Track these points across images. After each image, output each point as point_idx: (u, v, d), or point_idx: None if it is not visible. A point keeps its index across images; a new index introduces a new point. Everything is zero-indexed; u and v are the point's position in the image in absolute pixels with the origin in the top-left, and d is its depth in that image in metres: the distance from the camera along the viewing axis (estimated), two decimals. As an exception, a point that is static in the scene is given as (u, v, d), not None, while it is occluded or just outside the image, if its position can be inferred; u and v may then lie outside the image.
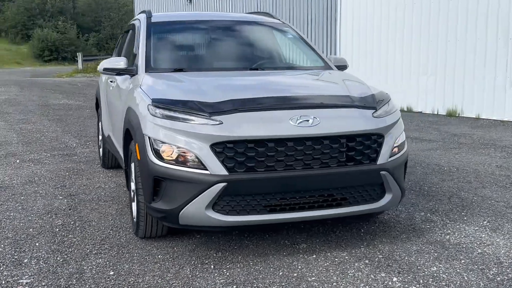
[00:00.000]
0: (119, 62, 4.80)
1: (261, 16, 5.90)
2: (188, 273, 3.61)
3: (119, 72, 4.79)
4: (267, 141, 3.61)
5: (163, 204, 3.70)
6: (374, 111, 4.02)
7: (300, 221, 3.97)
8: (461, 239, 4.25)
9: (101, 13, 51.36)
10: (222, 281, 3.48)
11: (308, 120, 3.73)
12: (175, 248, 4.04)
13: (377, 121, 3.95)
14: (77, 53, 31.20)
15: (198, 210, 3.59)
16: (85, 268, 3.70)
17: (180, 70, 4.73)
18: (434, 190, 5.69)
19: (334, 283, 3.45)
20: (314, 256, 3.89)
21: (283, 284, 3.44)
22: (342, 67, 5.35)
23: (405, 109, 12.68)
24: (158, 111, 3.79)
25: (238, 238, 4.24)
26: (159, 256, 3.89)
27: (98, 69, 4.98)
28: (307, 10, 15.22)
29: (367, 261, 3.80)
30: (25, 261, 3.83)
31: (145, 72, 4.64)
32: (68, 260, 3.84)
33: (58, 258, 3.88)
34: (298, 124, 3.69)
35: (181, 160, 3.62)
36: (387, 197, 4.00)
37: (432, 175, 6.36)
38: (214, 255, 3.91)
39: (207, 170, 3.56)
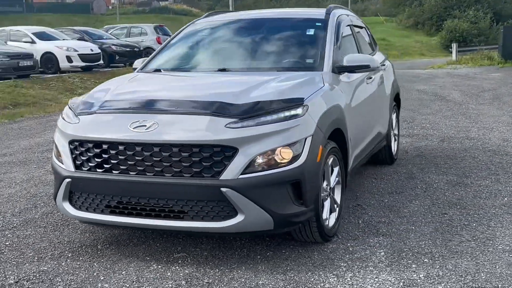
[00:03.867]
0: (139, 61, 5.36)
1: (306, 11, 5.52)
2: (20, 261, 3.96)
3: (137, 71, 5.31)
4: (103, 143, 3.75)
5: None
6: (235, 121, 3.61)
7: (144, 228, 3.91)
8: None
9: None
10: (21, 274, 3.73)
11: (145, 126, 3.69)
12: (76, 235, 4.42)
13: (228, 132, 3.57)
14: (452, 44, 30.34)
15: (59, 201, 4.01)
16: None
17: (158, 70, 5.01)
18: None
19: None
20: (160, 266, 3.82)
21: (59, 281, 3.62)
22: (357, 67, 4.66)
23: None
24: (63, 111, 4.32)
25: (141, 239, 4.33)
26: (54, 240, 4.33)
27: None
28: None
29: (183, 283, 3.56)
30: None
31: (136, 72, 5.11)
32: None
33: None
34: (133, 128, 3.70)
35: (59, 155, 4.08)
36: (238, 218, 3.58)
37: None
38: (88, 250, 4.10)
39: (63, 165, 3.96)
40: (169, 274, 3.66)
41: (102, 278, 3.62)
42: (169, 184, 3.58)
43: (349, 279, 3.55)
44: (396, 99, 6.80)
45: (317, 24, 5.08)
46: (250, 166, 3.56)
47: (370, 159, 6.48)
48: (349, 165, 4.63)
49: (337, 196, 4.37)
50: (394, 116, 6.71)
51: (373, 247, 4.07)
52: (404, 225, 4.50)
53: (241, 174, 3.53)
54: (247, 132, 3.58)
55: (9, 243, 4.26)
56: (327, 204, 4.16)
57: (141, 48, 22.53)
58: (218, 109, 3.70)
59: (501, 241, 4.14)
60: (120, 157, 3.68)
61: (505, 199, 5.16)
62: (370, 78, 5.42)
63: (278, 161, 3.63)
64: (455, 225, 4.49)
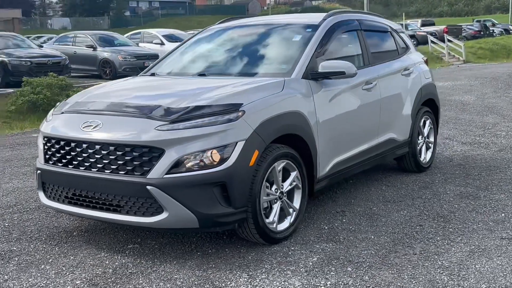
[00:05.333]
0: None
1: (306, 17, 5.63)
2: (1, 240, 4.61)
3: (141, 74, 5.79)
4: (61, 140, 4.26)
5: None
6: (166, 123, 3.93)
7: (92, 219, 4.38)
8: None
9: None
10: None
11: (92, 125, 4.13)
12: (66, 222, 4.94)
13: (156, 134, 3.88)
14: None
15: (38, 191, 4.60)
16: None
17: (153, 74, 5.43)
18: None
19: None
20: (106, 255, 4.24)
21: None
22: (332, 73, 4.72)
23: None
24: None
25: (114, 229, 4.73)
26: (45, 224, 4.88)
27: None
28: None
29: (110, 271, 3.96)
30: None
31: (140, 75, 5.60)
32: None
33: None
34: (83, 128, 4.16)
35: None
36: (163, 215, 3.88)
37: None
38: (62, 236, 4.61)
39: (39, 158, 4.56)
40: (107, 262, 4.06)
41: (51, 261, 4.11)
42: (108, 180, 3.98)
43: (258, 280, 3.69)
44: (430, 105, 6.58)
45: (307, 30, 5.17)
46: (176, 167, 3.84)
47: (396, 166, 6.40)
48: (318, 172, 4.69)
49: (296, 201, 4.48)
50: (428, 122, 6.51)
51: (313, 252, 4.14)
52: (365, 234, 4.49)
53: (166, 173, 3.82)
54: (175, 134, 3.86)
55: (8, 224, 4.93)
56: (276, 207, 4.29)
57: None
58: (154, 112, 4.03)
59: (448, 257, 4.00)
60: (72, 153, 4.16)
61: (502, 215, 4.88)
62: (370, 84, 5.37)
63: (207, 163, 3.86)
64: (417, 238, 4.38)
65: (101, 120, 4.12)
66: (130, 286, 3.65)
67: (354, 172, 5.43)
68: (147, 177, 3.84)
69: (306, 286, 3.59)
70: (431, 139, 6.65)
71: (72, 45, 19.00)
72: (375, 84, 5.45)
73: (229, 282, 3.68)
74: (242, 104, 4.07)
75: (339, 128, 4.94)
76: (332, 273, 3.78)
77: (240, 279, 3.71)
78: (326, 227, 4.67)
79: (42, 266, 4.01)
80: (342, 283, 3.61)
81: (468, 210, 5.02)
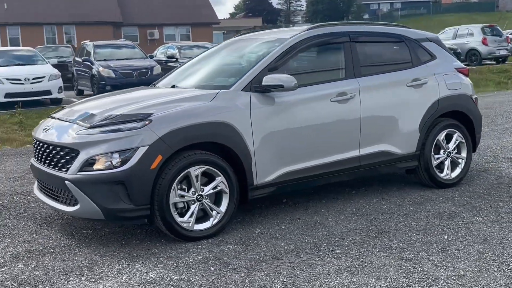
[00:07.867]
0: None
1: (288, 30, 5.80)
2: None
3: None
4: (34, 139, 5.30)
5: None
6: (84, 129, 4.67)
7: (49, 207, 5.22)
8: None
9: None
10: None
11: (46, 128, 5.10)
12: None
13: (75, 137, 4.65)
14: None
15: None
16: None
17: (154, 85, 6.20)
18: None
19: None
20: (58, 237, 5.18)
21: None
22: (272, 86, 5.01)
23: None
24: None
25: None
26: (43, 208, 5.83)
27: None
28: None
29: (41, 248, 4.90)
30: None
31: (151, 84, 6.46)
32: None
33: None
34: (42, 130, 5.15)
35: None
36: (77, 206, 4.62)
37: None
38: (47, 217, 5.69)
39: None
40: (50, 242, 4.85)
41: (17, 236, 5.04)
42: (49, 174, 4.88)
43: (129, 269, 4.18)
44: (460, 118, 6.20)
45: (275, 44, 5.44)
46: (87, 166, 4.56)
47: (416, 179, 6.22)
48: (256, 179, 4.98)
49: (223, 205, 4.86)
50: (455, 136, 6.13)
51: (208, 251, 4.46)
52: (281, 241, 4.66)
53: (79, 171, 4.59)
54: (87, 138, 4.60)
55: (33, 206, 6.11)
56: (193, 208, 4.74)
57: (458, 51, 21.98)
58: (83, 119, 4.83)
59: (313, 270, 4.04)
60: (36, 150, 5.17)
61: (445, 237, 4.62)
62: (345, 95, 5.40)
63: (113, 163, 4.51)
64: (318, 249, 4.44)
65: (54, 124, 5.05)
66: (34, 262, 4.48)
67: (327, 182, 5.50)
68: (67, 173, 4.65)
69: (156, 278, 4.04)
70: (463, 154, 6.22)
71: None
72: (352, 96, 5.45)
73: (104, 268, 4.24)
74: (152, 114, 4.64)
75: (292, 139, 5.12)
76: (192, 270, 4.15)
77: (117, 267, 4.27)
78: (257, 231, 4.94)
79: (6, 239, 5.05)
80: (186, 279, 3.99)
81: (417, 229, 4.82)
